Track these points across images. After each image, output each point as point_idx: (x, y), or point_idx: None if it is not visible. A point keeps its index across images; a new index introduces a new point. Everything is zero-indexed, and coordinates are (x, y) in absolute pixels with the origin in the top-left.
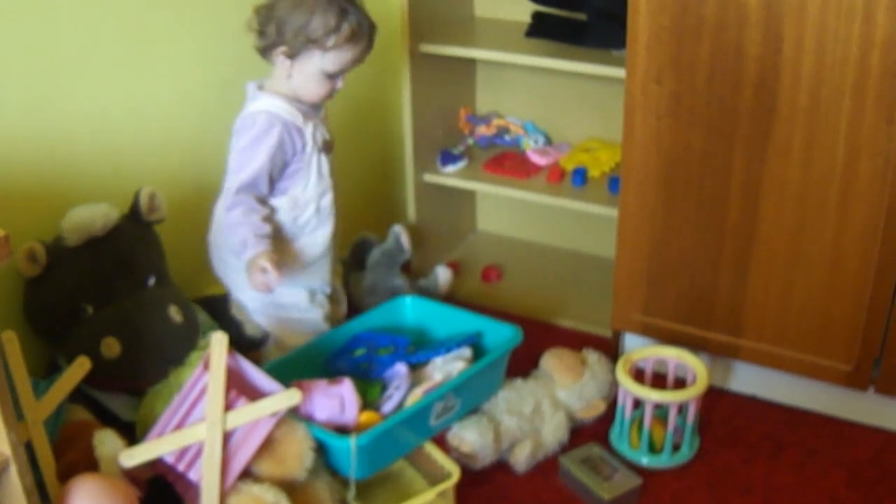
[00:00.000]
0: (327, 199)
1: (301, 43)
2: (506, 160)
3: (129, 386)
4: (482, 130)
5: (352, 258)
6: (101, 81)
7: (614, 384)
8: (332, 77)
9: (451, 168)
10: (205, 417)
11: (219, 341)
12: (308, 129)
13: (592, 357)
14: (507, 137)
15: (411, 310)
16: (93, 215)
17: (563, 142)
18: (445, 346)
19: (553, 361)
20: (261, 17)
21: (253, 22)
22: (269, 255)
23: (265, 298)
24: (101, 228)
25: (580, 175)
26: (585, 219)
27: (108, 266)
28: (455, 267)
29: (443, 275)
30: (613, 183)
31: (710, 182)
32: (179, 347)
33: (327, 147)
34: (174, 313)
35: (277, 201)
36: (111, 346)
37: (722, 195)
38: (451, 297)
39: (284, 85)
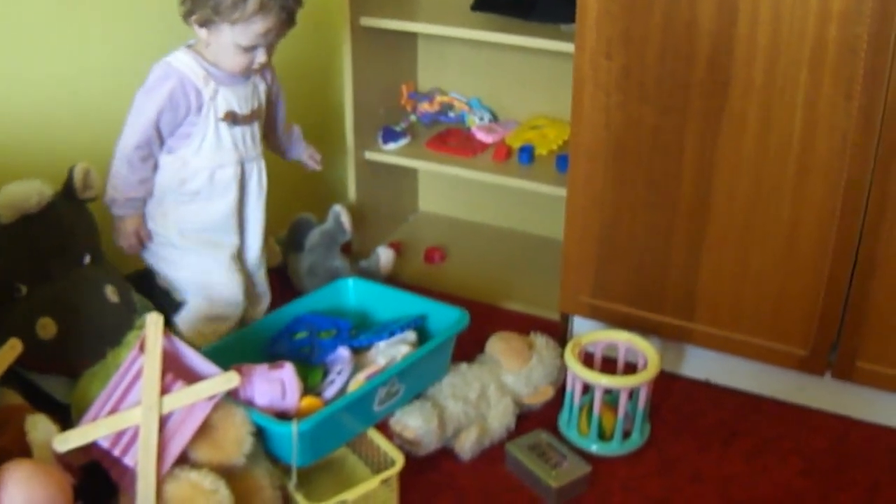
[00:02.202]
0: (227, 173)
1: (208, 14)
2: (450, 138)
3: (65, 368)
4: (425, 107)
5: (290, 239)
6: (29, 51)
7: (563, 369)
8: (247, 50)
9: (392, 145)
10: (140, 401)
11: (154, 322)
12: (207, 92)
13: (540, 341)
14: (451, 114)
15: (353, 292)
16: (27, 192)
17: (509, 119)
18: (389, 329)
19: (499, 345)
20: None
21: None
22: (138, 224)
23: (185, 270)
24: (35, 206)
25: (527, 153)
26: (532, 198)
27: (42, 244)
28: (397, 248)
29: (384, 256)
30: (561, 161)
31: (661, 160)
32: (116, 327)
33: (234, 118)
34: (110, 293)
35: (163, 159)
36: (46, 327)
37: (674, 173)
38: (393, 279)
39: (205, 50)
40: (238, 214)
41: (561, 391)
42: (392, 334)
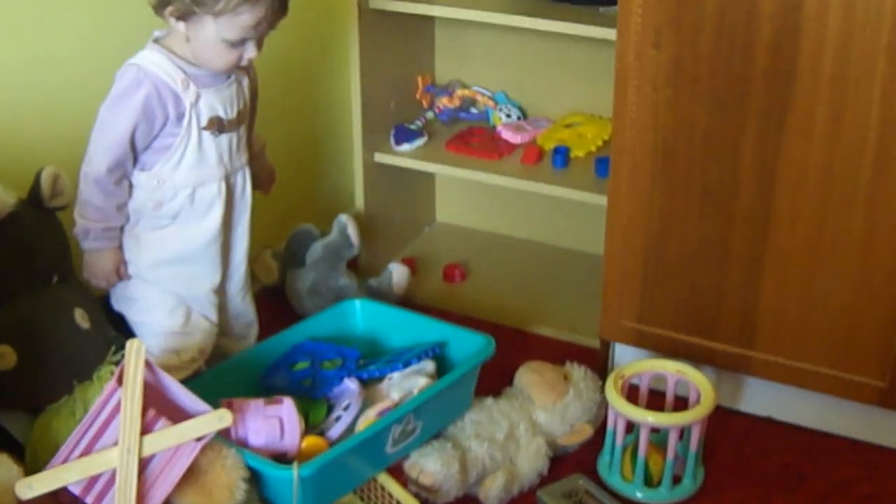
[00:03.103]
0: (210, 191)
1: (187, 4)
2: (472, 138)
3: (26, 402)
4: (444, 102)
5: (288, 253)
6: None
7: (603, 404)
8: (235, 45)
9: (406, 146)
10: (118, 441)
11: (135, 350)
12: (188, 98)
13: (577, 372)
14: (473, 111)
15: (361, 315)
16: None
17: (540, 116)
18: (403, 358)
19: (530, 377)
20: None
21: None
22: (118, 258)
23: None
24: None
25: (561, 155)
26: (568, 208)
27: (2, 259)
28: (411, 264)
29: (397, 274)
30: (601, 165)
31: (716, 164)
32: (86, 357)
33: (219, 125)
34: (80, 318)
35: (136, 177)
36: (5, 356)
37: (731, 179)
38: (407, 301)
39: (182, 46)
40: (222, 236)
41: (601, 430)
42: (407, 364)
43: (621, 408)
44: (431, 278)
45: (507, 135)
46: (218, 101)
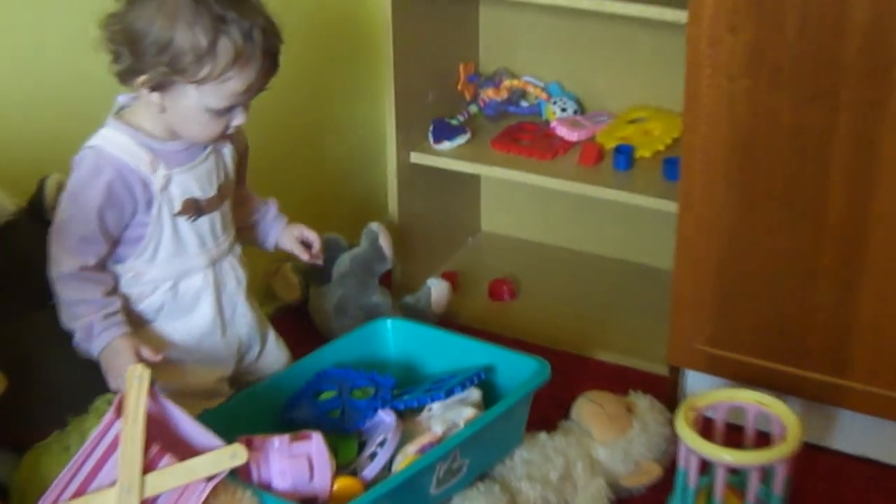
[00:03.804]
0: (195, 282)
1: (162, 73)
2: (522, 134)
3: (13, 436)
4: (489, 94)
5: (313, 267)
6: None
7: (673, 440)
8: (220, 113)
9: (447, 145)
10: (116, 480)
11: (138, 377)
12: (156, 182)
13: (642, 403)
14: (523, 104)
15: (395, 337)
16: None
17: (600, 110)
18: (445, 386)
19: (589, 409)
20: (109, 31)
21: (102, 39)
22: (134, 343)
23: None
24: None
25: (624, 155)
26: (631, 215)
27: None
28: (453, 279)
29: (436, 290)
30: (670, 166)
31: (802, 165)
32: (83, 390)
33: (196, 208)
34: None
35: (115, 268)
36: None
37: (820, 183)
38: (447, 321)
39: (153, 118)
40: (221, 328)
41: (671, 470)
42: (450, 393)
43: (694, 444)
44: (475, 296)
45: (563, 131)
46: (193, 181)
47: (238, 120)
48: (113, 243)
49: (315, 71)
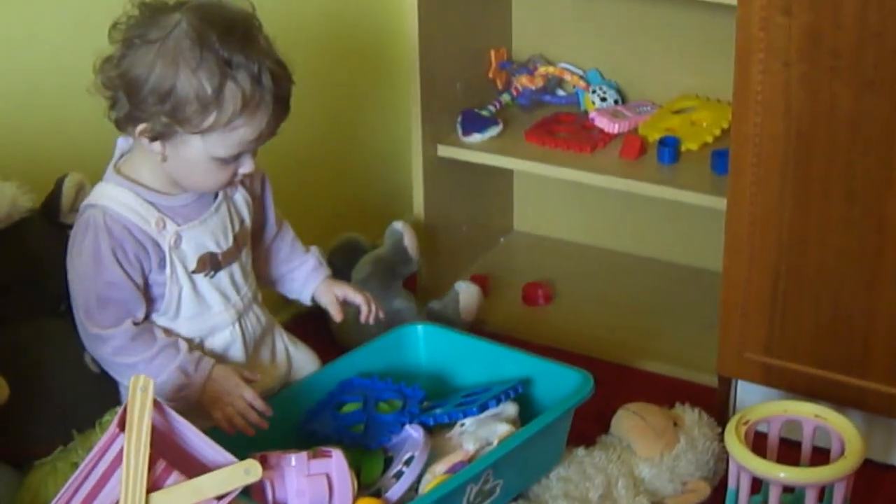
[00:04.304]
0: (222, 338)
1: (164, 124)
2: (559, 126)
3: (12, 451)
4: (523, 82)
5: (331, 269)
6: None
7: (722, 456)
8: (228, 162)
9: (477, 137)
10: (119, 499)
11: (141, 388)
12: (166, 238)
13: (689, 416)
14: (560, 93)
15: (424, 344)
16: None
17: (643, 100)
18: (479, 399)
19: (631, 423)
20: (105, 76)
21: (97, 84)
22: (233, 367)
23: None
24: (3, 217)
25: (669, 148)
26: (677, 213)
27: (4, 272)
28: (483, 283)
29: (465, 295)
30: (719, 160)
31: (864, 158)
32: (92, 403)
33: (212, 263)
34: (90, 360)
35: None
36: None
37: (883, 178)
38: (477, 328)
39: (154, 168)
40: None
41: (720, 488)
42: (484, 407)
43: (745, 461)
44: (508, 301)
45: (602, 122)
46: (206, 235)
47: (246, 168)
48: (146, 287)
49: (333, 57)
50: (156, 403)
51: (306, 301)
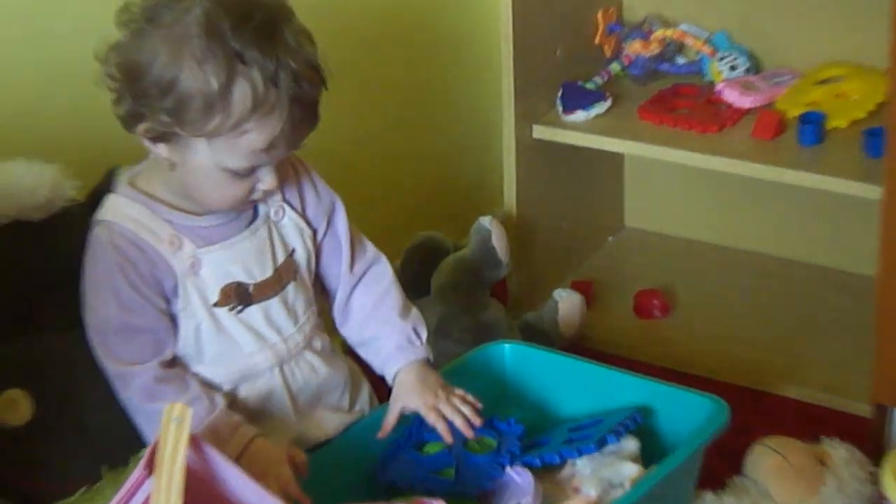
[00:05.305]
0: (259, 387)
1: (164, 123)
2: (679, 101)
3: (26, 485)
4: (636, 49)
5: (405, 275)
6: None
7: (878, 501)
8: (242, 175)
9: (580, 115)
10: None
11: (176, 419)
12: (182, 261)
13: (838, 453)
14: (680, 60)
15: (514, 366)
16: (34, 181)
17: (781, 68)
18: (595, 434)
19: (769, 461)
20: (108, 66)
21: (102, 75)
22: (278, 447)
23: None
24: (41, 204)
25: (813, 126)
26: (823, 204)
27: (34, 271)
28: (587, 291)
29: (566, 305)
30: (873, 140)
31: None
32: (126, 435)
33: (241, 296)
34: None
35: None
36: (16, 405)
37: None
38: (580, 344)
39: (168, 179)
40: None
41: None
42: (602, 443)
43: None
44: (616, 312)
45: (732, 96)
46: (234, 261)
47: (266, 184)
48: (168, 309)
49: (407, 21)
50: (192, 440)
51: (389, 380)
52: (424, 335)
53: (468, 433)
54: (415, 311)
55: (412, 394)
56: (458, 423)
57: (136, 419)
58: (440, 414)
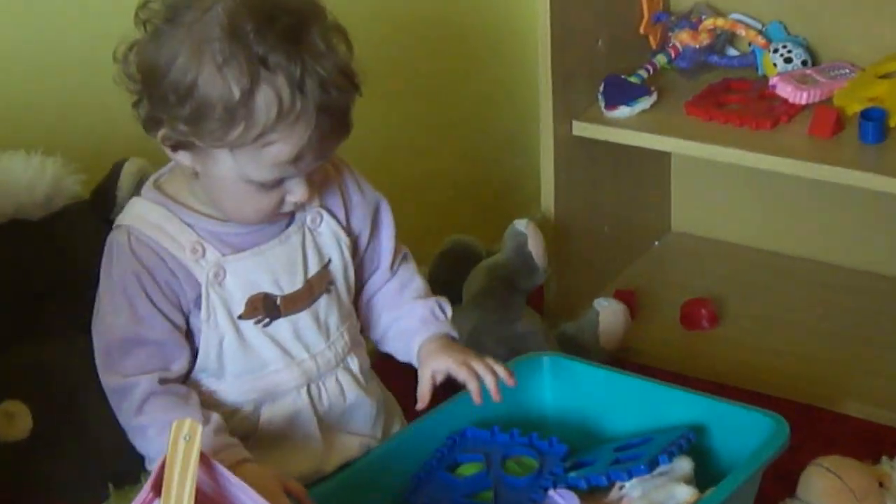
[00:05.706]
0: (284, 407)
1: (181, 132)
2: (730, 96)
3: (32, 503)
4: (684, 39)
5: (436, 282)
6: None
7: None
8: (268, 187)
9: (624, 110)
10: None
11: (185, 435)
12: (205, 270)
13: None
14: (731, 52)
15: (554, 381)
16: (32, 177)
17: (840, 61)
18: (645, 454)
19: (824, 483)
20: (125, 67)
21: (121, 75)
22: (270, 476)
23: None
24: (40, 202)
25: (875, 123)
26: (885, 207)
27: (34, 272)
28: (631, 300)
29: (607, 315)
30: None
31: None
32: (136, 452)
33: (268, 309)
34: None
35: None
36: (15, 418)
37: None
38: (622, 357)
39: (193, 184)
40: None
41: None
42: (654, 464)
43: None
44: (662, 322)
45: (787, 90)
46: (261, 270)
47: (297, 195)
48: (187, 336)
49: (441, 8)
50: (203, 458)
51: (412, 360)
52: (449, 313)
53: (497, 397)
54: (437, 299)
55: (439, 354)
56: (489, 382)
57: (128, 435)
58: (472, 370)
